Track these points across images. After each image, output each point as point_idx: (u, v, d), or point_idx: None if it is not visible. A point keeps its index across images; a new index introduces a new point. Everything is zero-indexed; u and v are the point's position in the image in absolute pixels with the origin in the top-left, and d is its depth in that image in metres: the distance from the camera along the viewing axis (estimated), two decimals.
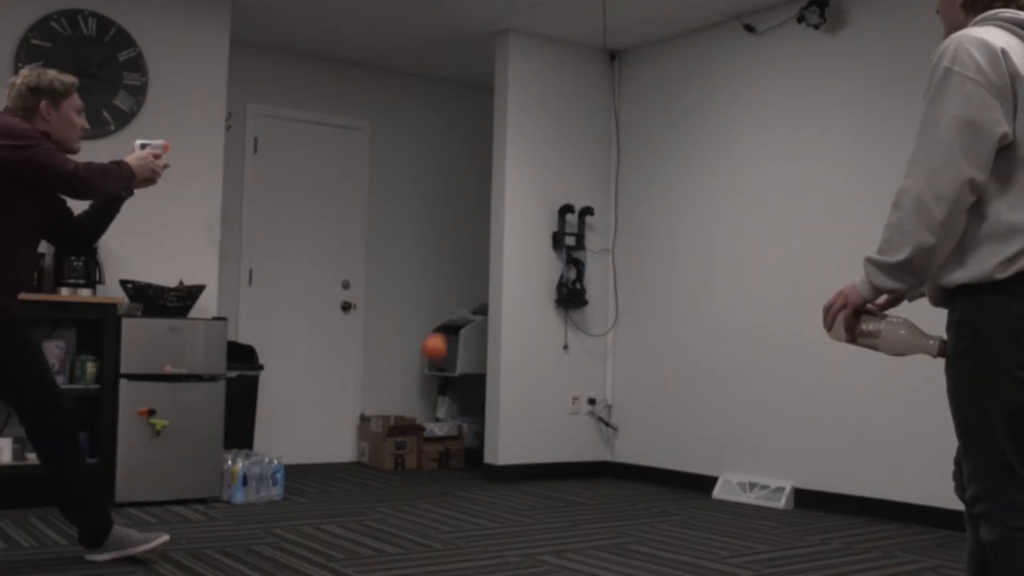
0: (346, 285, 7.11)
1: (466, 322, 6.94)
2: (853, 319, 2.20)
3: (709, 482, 5.90)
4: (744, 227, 5.89)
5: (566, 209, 6.47)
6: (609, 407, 6.65)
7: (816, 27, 5.47)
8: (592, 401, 6.60)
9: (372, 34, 6.53)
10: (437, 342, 6.55)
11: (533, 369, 6.36)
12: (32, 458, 4.88)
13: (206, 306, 5.57)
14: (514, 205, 6.35)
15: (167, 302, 5.20)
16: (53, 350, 4.98)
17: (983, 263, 2.04)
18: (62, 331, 5.21)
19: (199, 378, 5.22)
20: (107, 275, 5.30)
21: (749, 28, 5.91)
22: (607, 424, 6.61)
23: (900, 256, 2.06)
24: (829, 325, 2.23)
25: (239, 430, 5.89)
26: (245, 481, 5.17)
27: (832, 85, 5.48)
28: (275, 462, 5.34)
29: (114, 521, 3.81)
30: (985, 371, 2.04)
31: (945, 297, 2.15)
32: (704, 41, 6.24)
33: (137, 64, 5.50)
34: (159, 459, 5.06)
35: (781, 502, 5.43)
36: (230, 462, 5.25)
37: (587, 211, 6.56)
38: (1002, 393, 2.03)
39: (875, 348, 2.25)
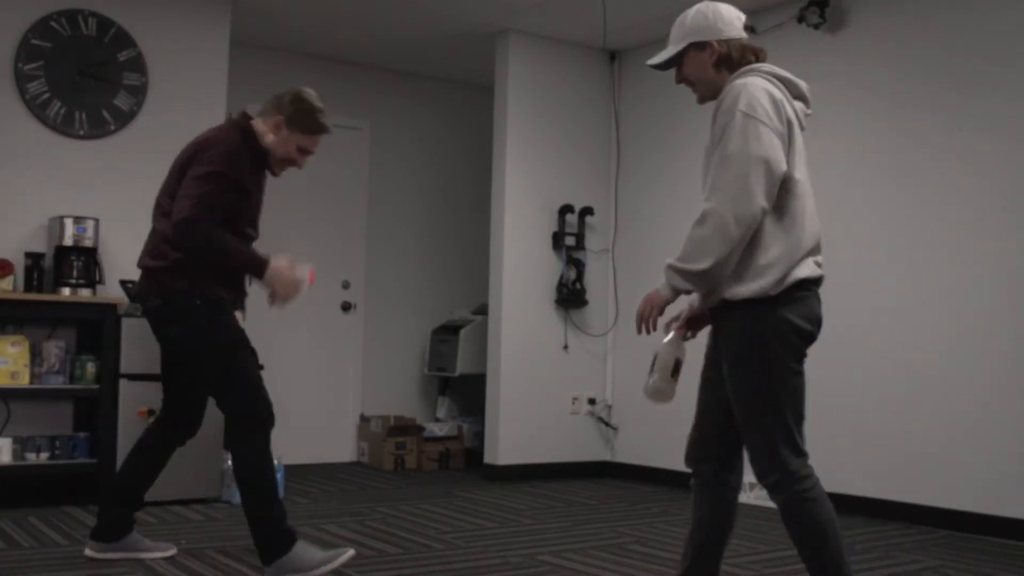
0: (346, 285, 7.11)
1: (466, 322, 6.95)
2: (659, 316, 2.73)
3: None
4: None
5: (566, 209, 6.47)
6: (609, 407, 6.65)
7: (816, 27, 5.47)
8: (592, 401, 6.60)
9: (372, 34, 6.53)
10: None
11: (533, 369, 6.36)
12: (32, 458, 4.89)
13: None
14: (514, 205, 6.35)
15: None
16: (53, 350, 4.98)
17: (761, 281, 2.52)
18: (62, 331, 5.21)
19: None
20: (107, 275, 5.30)
21: (749, 28, 5.89)
22: (607, 424, 6.61)
23: (702, 265, 2.53)
24: (645, 330, 2.78)
25: None
26: None
27: (832, 85, 5.48)
28: (275, 462, 5.32)
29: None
30: (770, 366, 2.56)
31: (723, 307, 2.63)
32: None
33: (137, 64, 5.50)
34: None
35: None
36: (230, 462, 5.23)
37: (587, 211, 6.56)
38: (785, 382, 2.56)
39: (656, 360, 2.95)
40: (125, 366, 5.02)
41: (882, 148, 5.24)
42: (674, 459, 6.22)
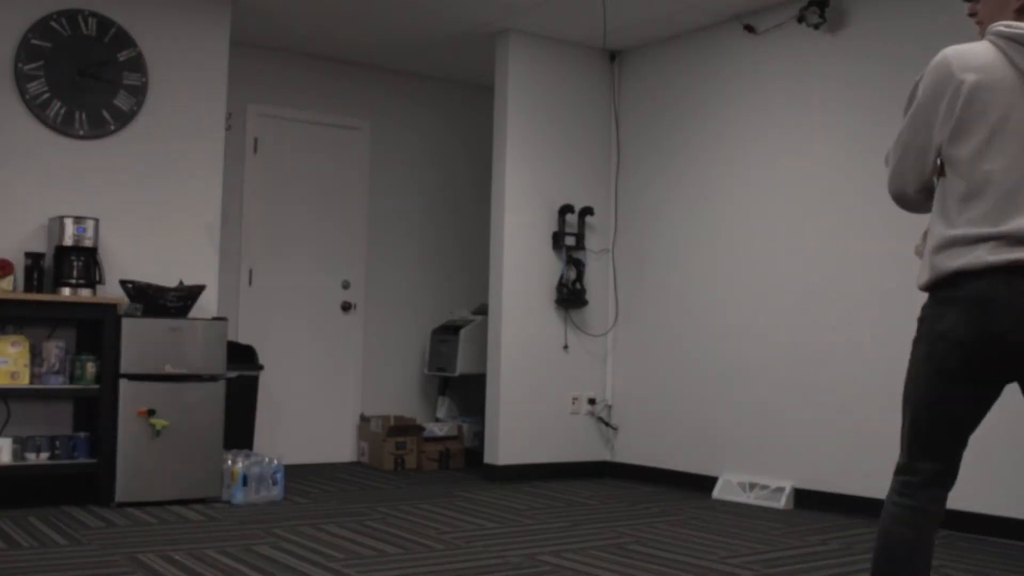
0: (346, 285, 7.11)
1: (466, 322, 6.94)
2: None
3: (709, 482, 5.90)
4: (744, 227, 5.89)
5: (566, 209, 6.47)
6: (609, 407, 6.65)
7: (816, 27, 5.47)
8: (592, 401, 6.60)
9: (372, 34, 6.53)
10: None
11: (533, 369, 6.36)
12: (32, 458, 4.89)
13: (206, 306, 5.57)
14: (514, 205, 6.35)
15: (167, 302, 5.20)
16: (53, 350, 4.98)
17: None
18: (62, 331, 5.21)
19: (199, 378, 5.21)
20: (107, 275, 5.30)
21: (749, 28, 5.91)
22: (607, 424, 6.61)
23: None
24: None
25: (239, 430, 5.89)
26: (245, 481, 5.17)
27: (832, 85, 5.48)
28: (275, 462, 5.34)
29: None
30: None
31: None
32: (704, 41, 6.24)
33: (137, 64, 5.50)
34: (159, 459, 5.06)
35: (781, 502, 5.43)
36: (230, 462, 5.25)
37: (587, 211, 6.56)
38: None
39: None
40: (125, 366, 5.02)
41: (882, 148, 5.23)
42: (674, 459, 6.23)
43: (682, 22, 6.16)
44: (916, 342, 2.25)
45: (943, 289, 2.17)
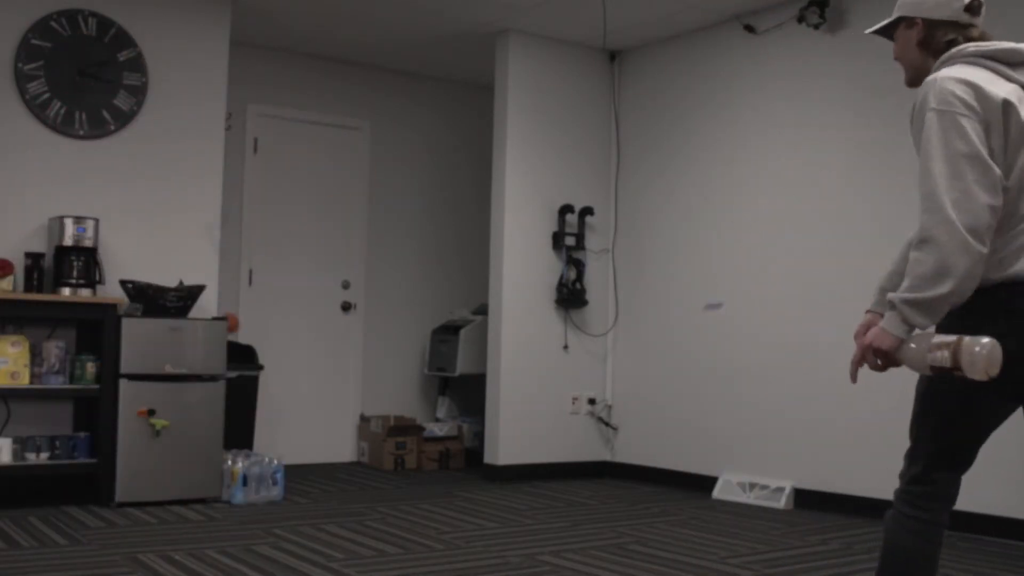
0: (346, 285, 7.11)
1: (466, 322, 6.94)
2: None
3: (709, 482, 5.90)
4: (744, 227, 5.89)
5: (566, 209, 6.47)
6: (609, 407, 6.65)
7: (816, 27, 5.47)
8: (592, 401, 6.60)
9: (372, 34, 6.53)
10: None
11: (533, 369, 6.36)
12: (32, 458, 4.89)
13: (206, 306, 5.57)
14: (514, 205, 6.35)
15: (167, 302, 5.20)
16: (53, 350, 4.98)
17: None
18: (62, 331, 5.21)
19: (199, 378, 5.21)
20: (107, 275, 5.30)
21: (749, 28, 5.91)
22: (607, 424, 6.61)
23: (943, 289, 2.06)
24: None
25: (239, 430, 5.89)
26: (245, 481, 5.17)
27: (832, 85, 5.48)
28: (275, 462, 5.34)
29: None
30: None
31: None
32: (704, 41, 6.24)
33: (137, 64, 5.50)
34: (159, 459, 5.06)
35: (781, 502, 5.43)
36: (230, 462, 5.25)
37: (587, 211, 6.56)
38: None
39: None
40: (125, 366, 5.02)
41: (881, 147, 5.23)
42: (674, 459, 6.23)
43: (682, 22, 6.16)
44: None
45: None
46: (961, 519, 4.72)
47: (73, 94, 5.32)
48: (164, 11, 5.60)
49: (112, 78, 5.43)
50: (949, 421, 2.23)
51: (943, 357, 2.04)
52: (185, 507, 5.02)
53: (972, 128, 2.10)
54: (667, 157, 6.42)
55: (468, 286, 7.56)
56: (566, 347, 6.51)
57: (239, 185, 6.68)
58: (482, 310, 6.97)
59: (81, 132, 5.34)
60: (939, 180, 2.09)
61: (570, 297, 6.47)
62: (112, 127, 5.42)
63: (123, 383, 5.01)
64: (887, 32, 2.43)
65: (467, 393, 7.20)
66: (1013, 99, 2.16)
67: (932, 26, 2.31)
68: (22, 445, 4.89)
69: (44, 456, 4.92)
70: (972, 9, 2.31)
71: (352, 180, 7.17)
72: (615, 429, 6.61)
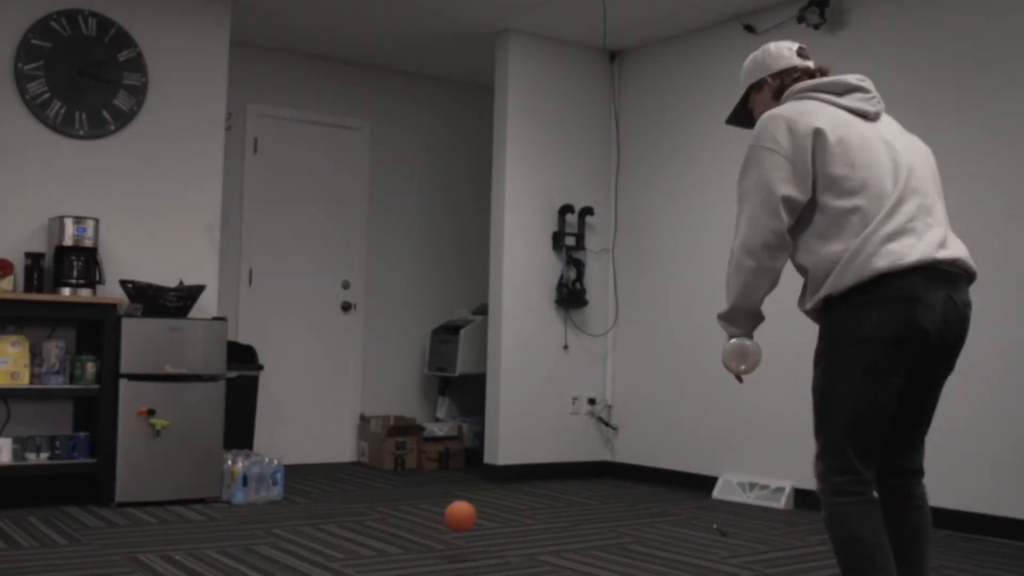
0: (346, 285, 7.11)
1: (466, 322, 6.95)
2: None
3: (709, 482, 5.90)
4: None
5: (566, 209, 6.47)
6: (609, 407, 6.65)
7: (816, 27, 5.47)
8: (592, 401, 6.60)
9: (372, 34, 6.53)
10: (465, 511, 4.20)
11: (533, 369, 6.36)
12: (32, 458, 4.89)
13: (206, 306, 5.57)
14: (514, 205, 6.35)
15: (167, 302, 5.20)
16: (53, 350, 4.98)
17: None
18: (62, 331, 5.21)
19: (199, 378, 5.22)
20: (107, 275, 5.30)
21: (749, 28, 5.91)
22: (607, 424, 6.61)
23: (728, 305, 2.59)
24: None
25: (239, 430, 5.89)
26: (245, 481, 5.17)
27: None
28: (275, 462, 5.34)
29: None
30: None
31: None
32: (704, 41, 6.24)
33: (137, 64, 5.50)
34: (159, 459, 5.06)
35: (781, 502, 5.43)
36: (230, 462, 5.25)
37: (587, 211, 6.56)
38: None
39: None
40: (125, 366, 5.02)
41: None
42: (674, 459, 6.23)
43: (682, 22, 6.16)
44: (834, 348, 2.54)
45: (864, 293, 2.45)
46: (961, 519, 4.72)
47: (73, 94, 5.32)
48: (164, 11, 5.60)
49: (112, 78, 5.43)
50: (860, 409, 2.42)
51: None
52: (185, 507, 5.02)
53: (770, 160, 2.44)
54: (667, 157, 6.42)
55: (468, 286, 7.56)
56: (566, 347, 6.51)
57: (239, 185, 6.68)
58: (482, 310, 6.97)
59: (81, 132, 5.34)
60: (739, 207, 2.51)
61: (570, 297, 6.47)
62: (112, 127, 5.42)
63: (123, 383, 5.01)
64: (742, 114, 2.82)
65: (467, 393, 7.20)
66: (828, 125, 2.49)
67: (780, 76, 2.69)
68: (22, 445, 4.89)
69: (44, 456, 4.92)
70: (802, 54, 2.76)
71: (352, 180, 7.17)
72: (615, 429, 6.61)
